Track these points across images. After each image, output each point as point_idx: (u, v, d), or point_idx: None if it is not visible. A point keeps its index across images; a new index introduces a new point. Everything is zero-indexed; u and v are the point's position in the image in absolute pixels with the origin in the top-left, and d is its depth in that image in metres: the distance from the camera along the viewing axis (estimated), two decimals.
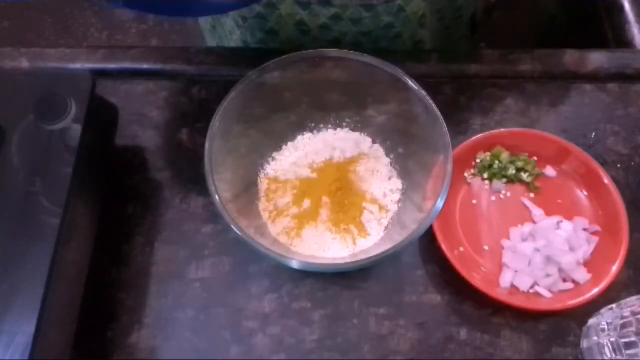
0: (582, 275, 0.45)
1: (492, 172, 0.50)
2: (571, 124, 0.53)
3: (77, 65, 0.55)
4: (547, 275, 0.45)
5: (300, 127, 0.51)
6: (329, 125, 0.51)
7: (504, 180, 0.50)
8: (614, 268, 0.44)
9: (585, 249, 0.46)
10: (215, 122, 0.43)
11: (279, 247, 0.46)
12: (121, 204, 0.49)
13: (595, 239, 0.46)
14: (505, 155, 0.50)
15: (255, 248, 0.40)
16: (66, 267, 0.40)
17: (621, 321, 0.40)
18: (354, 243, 0.46)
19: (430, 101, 0.44)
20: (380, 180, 0.49)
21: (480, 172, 0.50)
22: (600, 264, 0.45)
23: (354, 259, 0.44)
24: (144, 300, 0.46)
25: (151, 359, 0.44)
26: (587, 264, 0.46)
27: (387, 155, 0.50)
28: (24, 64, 0.55)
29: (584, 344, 0.43)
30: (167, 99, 0.54)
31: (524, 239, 0.47)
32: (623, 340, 0.39)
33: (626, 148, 0.52)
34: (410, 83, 0.45)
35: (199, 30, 0.74)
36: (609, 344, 0.40)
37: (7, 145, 0.41)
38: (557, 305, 0.44)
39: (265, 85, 0.46)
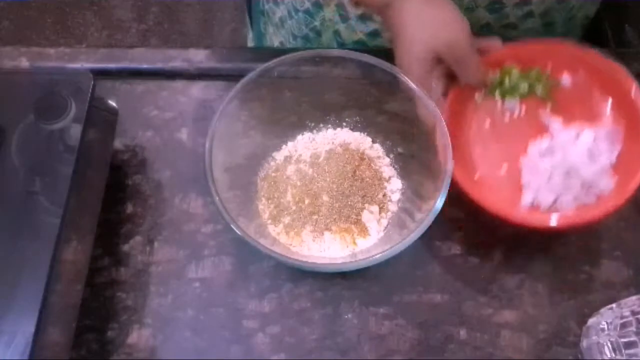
0: (606, 184, 0.42)
1: (503, 90, 0.46)
2: None
3: (77, 65, 0.55)
4: (569, 190, 0.42)
5: (300, 127, 0.51)
6: (329, 125, 0.51)
7: (518, 97, 0.46)
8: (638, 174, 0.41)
9: (607, 156, 0.43)
10: (215, 122, 0.43)
11: (279, 247, 0.46)
12: (121, 204, 0.49)
13: (619, 144, 0.44)
14: (515, 71, 0.46)
15: (255, 248, 0.40)
16: (66, 267, 0.40)
17: (621, 321, 0.40)
18: (354, 243, 0.46)
19: (431, 101, 0.44)
20: (380, 180, 0.49)
21: (491, 92, 0.47)
22: (625, 170, 0.42)
23: (354, 259, 0.44)
24: (144, 300, 0.46)
25: (151, 359, 0.44)
26: (611, 170, 0.43)
27: (387, 155, 0.50)
28: (24, 63, 0.55)
29: (584, 343, 0.43)
30: (167, 99, 0.54)
31: (542, 155, 0.44)
32: (623, 340, 0.39)
33: None
34: (411, 83, 0.45)
35: (198, 31, 0.74)
36: (608, 344, 0.40)
37: (7, 145, 0.41)
38: (583, 218, 0.41)
39: (265, 85, 0.46)
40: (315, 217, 0.47)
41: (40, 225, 0.39)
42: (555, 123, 0.45)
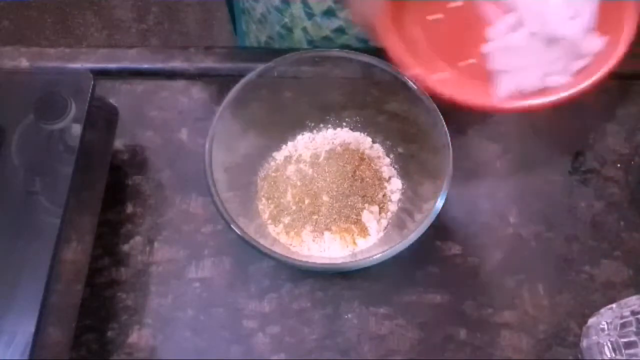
0: (595, 42, 0.36)
1: None
2: (571, 124, 0.53)
3: (77, 65, 0.55)
4: (556, 60, 0.37)
5: (300, 127, 0.51)
6: (329, 125, 0.51)
7: None
8: (628, 24, 0.35)
9: (588, 11, 0.36)
10: (215, 122, 0.43)
11: (279, 247, 0.46)
12: (121, 204, 0.49)
13: None
14: None
15: (255, 248, 0.40)
16: (66, 267, 0.41)
17: (621, 321, 0.40)
18: (354, 243, 0.46)
19: (431, 101, 0.44)
20: (380, 180, 0.49)
21: None
22: (609, 25, 0.36)
23: (354, 259, 0.44)
24: (144, 300, 0.46)
25: (151, 359, 0.44)
26: (596, 28, 0.37)
27: (387, 155, 0.50)
28: (24, 63, 0.55)
29: (584, 343, 0.43)
30: (167, 99, 0.54)
31: (511, 30, 0.37)
32: (623, 340, 0.39)
33: (626, 148, 0.52)
34: (410, 83, 0.45)
35: (198, 31, 0.74)
36: (608, 344, 0.40)
37: (7, 145, 0.41)
38: (577, 89, 0.35)
39: (265, 85, 0.46)
40: (315, 217, 0.47)
41: (40, 225, 0.39)
42: None
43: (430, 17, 0.41)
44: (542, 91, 0.37)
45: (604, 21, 0.37)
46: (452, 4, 0.40)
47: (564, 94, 0.36)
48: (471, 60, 0.39)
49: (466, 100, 0.38)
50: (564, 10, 0.36)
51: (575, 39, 0.36)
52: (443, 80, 0.39)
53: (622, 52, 0.35)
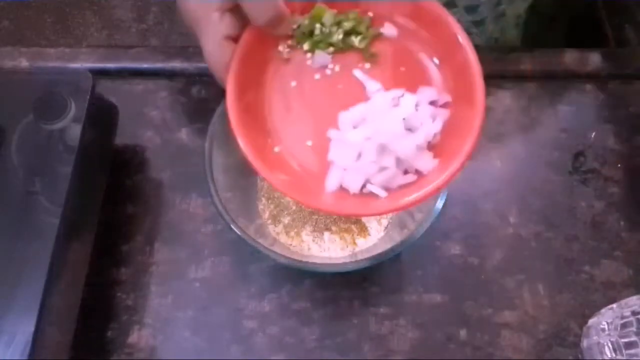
0: (426, 162, 0.35)
1: (314, 40, 0.37)
2: (571, 124, 0.53)
3: (77, 65, 0.55)
4: (382, 170, 0.35)
5: None
6: None
7: (331, 49, 0.37)
8: (465, 148, 0.34)
9: (429, 128, 0.35)
10: (215, 122, 0.43)
11: (279, 247, 0.46)
12: (121, 204, 0.49)
13: (445, 113, 0.36)
14: (329, 16, 0.36)
15: (255, 248, 0.40)
16: (66, 267, 0.40)
17: (621, 321, 0.40)
18: (354, 243, 0.46)
19: None
20: None
21: (300, 43, 0.37)
22: (450, 145, 0.35)
23: (354, 259, 0.44)
24: (144, 300, 0.46)
25: (151, 359, 0.44)
26: (436, 146, 0.35)
27: None
28: (24, 63, 0.55)
29: (584, 344, 0.43)
30: (167, 98, 0.54)
31: (355, 126, 0.36)
32: (623, 340, 0.39)
33: (626, 148, 0.52)
34: None
35: None
36: (609, 344, 0.40)
37: (7, 145, 0.41)
38: (394, 206, 0.34)
39: None
40: (315, 217, 0.47)
41: (40, 225, 0.39)
42: (372, 84, 0.36)
43: (293, 83, 0.37)
44: (363, 198, 0.35)
45: (443, 145, 0.35)
46: (322, 73, 0.37)
47: (382, 209, 0.35)
48: (309, 143, 0.36)
49: (291, 192, 0.35)
50: (402, 124, 0.35)
51: (405, 155, 0.34)
52: (274, 158, 0.36)
53: (442, 182, 0.34)
